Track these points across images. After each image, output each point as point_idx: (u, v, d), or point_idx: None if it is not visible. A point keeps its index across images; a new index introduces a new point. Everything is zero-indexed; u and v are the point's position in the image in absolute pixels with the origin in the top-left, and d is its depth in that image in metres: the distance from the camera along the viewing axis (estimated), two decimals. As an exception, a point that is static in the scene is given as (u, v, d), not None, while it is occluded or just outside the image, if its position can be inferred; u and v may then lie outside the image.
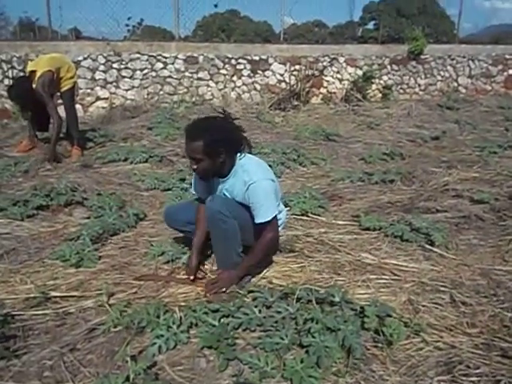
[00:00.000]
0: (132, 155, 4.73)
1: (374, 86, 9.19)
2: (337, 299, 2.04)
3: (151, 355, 1.78)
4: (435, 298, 2.21)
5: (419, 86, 9.74)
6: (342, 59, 9.00)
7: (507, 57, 10.26)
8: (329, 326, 1.84)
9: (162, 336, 1.85)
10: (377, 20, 19.56)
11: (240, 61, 8.32)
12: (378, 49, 9.45)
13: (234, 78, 8.33)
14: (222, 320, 1.96)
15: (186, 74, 7.98)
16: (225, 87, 8.27)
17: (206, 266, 2.54)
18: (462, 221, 3.21)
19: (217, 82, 8.20)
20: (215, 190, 2.34)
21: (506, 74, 10.32)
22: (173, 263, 2.56)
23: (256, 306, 2.03)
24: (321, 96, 8.94)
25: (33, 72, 4.50)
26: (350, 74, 9.07)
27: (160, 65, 7.83)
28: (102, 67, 7.49)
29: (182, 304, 2.15)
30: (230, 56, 8.22)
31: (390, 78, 9.45)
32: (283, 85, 8.56)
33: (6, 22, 11.06)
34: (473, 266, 2.54)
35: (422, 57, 9.60)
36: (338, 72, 9.02)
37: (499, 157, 4.94)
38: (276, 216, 2.26)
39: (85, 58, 7.35)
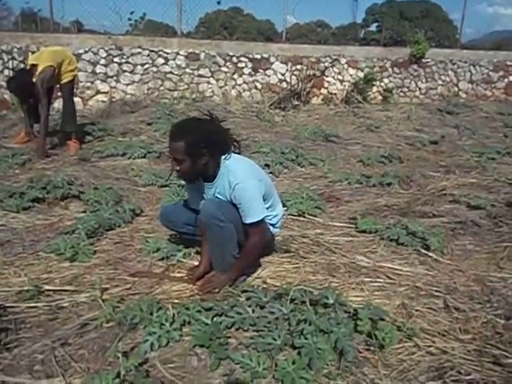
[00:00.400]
0: (130, 150, 4.72)
1: (374, 89, 9.20)
2: (330, 301, 2.04)
3: (143, 352, 1.77)
4: (429, 303, 2.21)
5: (420, 89, 9.75)
6: (343, 60, 9.00)
7: (508, 63, 10.28)
8: (322, 328, 1.84)
9: (155, 333, 1.84)
10: (380, 22, 19.59)
11: (241, 59, 8.31)
12: (379, 51, 9.45)
13: (235, 76, 8.32)
14: (214, 319, 1.95)
15: (187, 70, 7.97)
16: (225, 85, 8.26)
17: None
18: (458, 226, 3.21)
19: (217, 80, 8.19)
20: (207, 196, 2.32)
21: (506, 80, 10.34)
22: (168, 260, 2.55)
23: (249, 306, 2.03)
24: (321, 96, 8.94)
25: (34, 65, 4.48)
26: (351, 75, 9.08)
27: (161, 60, 7.81)
28: (102, 61, 7.46)
29: (176, 301, 2.14)
30: (231, 54, 8.21)
31: (390, 81, 9.46)
32: (284, 84, 8.56)
33: (8, 13, 11.04)
34: (467, 271, 2.54)
35: (424, 60, 9.61)
36: (339, 73, 9.02)
37: (497, 163, 4.95)
38: (263, 219, 2.23)
39: (86, 51, 7.33)
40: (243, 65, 8.34)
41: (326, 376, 1.68)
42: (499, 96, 10.34)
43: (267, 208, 2.33)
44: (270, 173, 4.32)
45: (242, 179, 2.15)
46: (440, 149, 5.60)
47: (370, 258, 2.66)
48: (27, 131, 5.05)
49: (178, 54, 7.88)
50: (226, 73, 8.23)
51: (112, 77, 7.56)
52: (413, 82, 9.66)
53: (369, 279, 2.41)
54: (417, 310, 2.13)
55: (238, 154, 2.35)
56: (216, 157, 2.20)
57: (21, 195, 3.32)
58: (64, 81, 4.78)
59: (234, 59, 8.25)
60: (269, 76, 8.54)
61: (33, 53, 5.22)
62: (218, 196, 2.28)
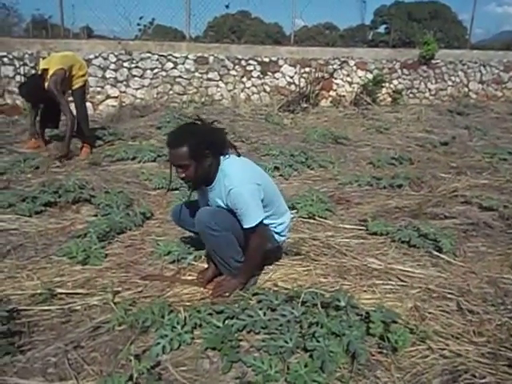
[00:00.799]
0: (140, 154, 4.75)
1: (383, 90, 9.16)
2: (342, 304, 2.03)
3: (155, 355, 1.78)
4: (442, 306, 2.19)
5: (429, 90, 9.69)
6: (352, 62, 8.99)
7: (519, 63, 10.19)
8: (334, 331, 1.83)
9: (166, 336, 1.84)
10: (388, 24, 19.55)
11: (250, 62, 8.33)
12: (388, 53, 9.42)
13: (244, 79, 8.34)
14: (226, 321, 1.95)
15: (196, 74, 8.01)
16: (234, 88, 8.28)
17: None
18: (470, 228, 3.18)
19: (226, 83, 8.22)
20: (210, 199, 2.31)
21: (517, 80, 10.25)
22: (179, 263, 2.56)
23: (261, 309, 2.02)
24: (330, 99, 8.93)
25: (45, 70, 4.54)
26: (360, 77, 9.05)
27: (170, 64, 7.86)
28: (112, 66, 7.53)
29: (187, 304, 2.15)
30: (240, 57, 8.23)
31: (400, 83, 9.42)
32: (293, 87, 8.56)
33: (18, 19, 11.17)
34: (480, 273, 2.52)
35: (433, 61, 9.55)
36: (348, 75, 9.00)
37: (509, 164, 4.90)
38: (262, 222, 2.19)
39: (96, 57, 7.40)
40: (252, 68, 8.36)
41: (338, 379, 1.67)
42: (510, 96, 10.24)
43: (270, 215, 2.31)
44: (280, 175, 4.32)
45: (236, 184, 2.12)
46: (451, 150, 5.55)
47: (381, 260, 2.65)
48: (35, 136, 5.08)
49: (186, 58, 7.93)
50: (234, 76, 8.25)
51: (122, 81, 7.62)
52: (422, 83, 9.61)
53: (380, 281, 2.40)
54: (429, 313, 2.11)
55: (238, 155, 2.32)
56: (217, 157, 2.19)
57: (33, 199, 3.36)
58: (75, 86, 4.82)
59: (243, 62, 8.28)
60: (277, 79, 8.55)
61: (44, 58, 5.28)
62: (217, 200, 2.25)
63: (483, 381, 1.68)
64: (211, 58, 8.06)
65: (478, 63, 9.92)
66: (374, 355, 1.81)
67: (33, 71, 6.68)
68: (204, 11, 8.90)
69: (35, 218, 3.19)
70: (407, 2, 20.82)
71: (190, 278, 2.43)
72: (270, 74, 8.48)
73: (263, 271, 2.46)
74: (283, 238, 2.49)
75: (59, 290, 2.23)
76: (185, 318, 1.96)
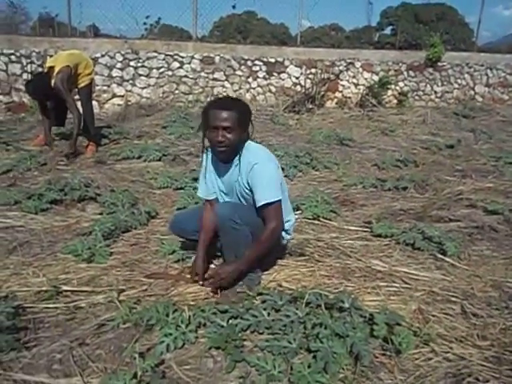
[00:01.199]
0: (146, 153, 4.77)
1: (389, 92, 9.15)
2: (346, 305, 2.03)
3: (159, 353, 1.78)
4: (446, 308, 2.19)
5: (435, 93, 9.67)
6: (358, 64, 8.98)
7: (526, 67, 10.15)
8: (337, 332, 1.83)
9: (171, 334, 1.85)
10: (394, 25, 19.49)
11: (256, 62, 8.34)
12: (394, 54, 9.41)
13: (250, 80, 8.36)
14: (230, 321, 1.96)
15: (202, 74, 8.03)
16: (240, 88, 8.29)
17: (212, 265, 2.53)
18: (475, 231, 3.17)
19: (232, 83, 8.23)
20: (223, 183, 2.32)
21: (524, 83, 10.21)
22: (183, 262, 2.57)
23: (265, 309, 2.03)
24: (336, 100, 8.93)
25: (51, 68, 4.56)
26: (365, 78, 9.05)
27: (176, 64, 7.88)
28: (119, 65, 7.56)
29: (191, 303, 2.15)
30: (246, 57, 8.25)
31: (406, 85, 9.40)
32: (298, 88, 8.56)
33: (26, 17, 11.23)
34: (485, 277, 2.51)
35: (440, 64, 9.53)
36: (353, 76, 9.00)
37: (515, 167, 4.87)
38: (280, 201, 2.17)
39: (102, 55, 7.43)
40: (258, 68, 8.37)
41: (341, 380, 1.68)
42: (516, 100, 10.21)
43: None
44: (285, 176, 4.31)
45: (261, 160, 2.17)
46: (456, 153, 5.54)
47: (385, 262, 2.64)
48: (46, 134, 5.12)
49: (193, 57, 7.95)
50: (240, 76, 8.27)
51: (128, 80, 7.65)
52: (428, 86, 9.59)
53: (384, 283, 2.40)
54: (433, 316, 2.11)
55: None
56: (248, 134, 2.25)
57: (39, 197, 3.38)
58: (81, 85, 4.85)
59: (249, 63, 8.29)
60: (283, 79, 8.55)
61: (50, 56, 5.31)
62: (233, 180, 2.25)
63: (487, 384, 1.68)
64: (217, 58, 8.08)
65: (485, 66, 9.89)
66: (377, 357, 1.81)
67: (40, 69, 6.71)
68: (210, 11, 9.00)
69: (41, 215, 3.20)
70: (414, 4, 20.76)
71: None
72: (275, 74, 8.49)
73: (267, 272, 2.47)
74: (289, 237, 2.51)
75: (64, 288, 2.25)
76: (189, 316, 1.97)
